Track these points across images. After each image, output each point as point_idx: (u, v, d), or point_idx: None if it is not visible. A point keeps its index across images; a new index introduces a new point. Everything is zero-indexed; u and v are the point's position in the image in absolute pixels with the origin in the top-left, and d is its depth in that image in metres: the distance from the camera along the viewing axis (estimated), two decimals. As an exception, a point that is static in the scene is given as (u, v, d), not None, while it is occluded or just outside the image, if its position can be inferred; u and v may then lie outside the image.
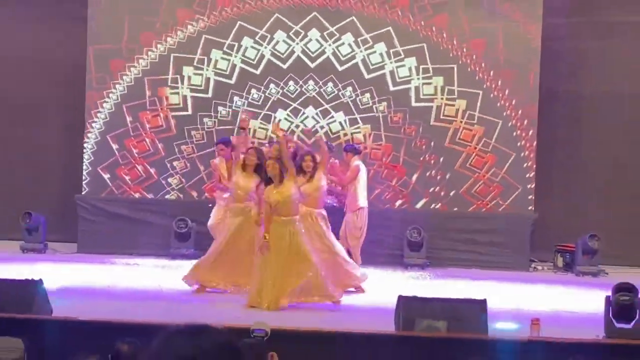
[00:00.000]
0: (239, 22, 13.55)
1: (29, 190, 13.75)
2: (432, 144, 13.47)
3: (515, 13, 13.33)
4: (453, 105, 13.48)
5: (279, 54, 13.59)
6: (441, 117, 13.49)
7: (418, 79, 13.49)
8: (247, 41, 13.58)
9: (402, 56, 13.48)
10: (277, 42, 13.58)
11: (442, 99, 13.48)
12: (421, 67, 13.47)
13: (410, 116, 13.49)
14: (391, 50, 13.49)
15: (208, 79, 13.60)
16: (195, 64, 13.60)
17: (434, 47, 13.41)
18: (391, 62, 13.51)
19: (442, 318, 8.45)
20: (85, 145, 13.37)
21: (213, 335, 2.05)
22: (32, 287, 8.70)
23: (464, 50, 13.36)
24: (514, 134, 13.36)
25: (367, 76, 13.52)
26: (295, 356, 6.97)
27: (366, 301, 10.64)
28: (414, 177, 13.50)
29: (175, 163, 13.63)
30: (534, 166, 13.31)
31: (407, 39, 13.45)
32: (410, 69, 13.49)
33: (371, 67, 13.52)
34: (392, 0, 13.46)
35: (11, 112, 13.72)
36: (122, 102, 13.57)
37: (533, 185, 13.29)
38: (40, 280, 8.85)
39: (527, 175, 13.34)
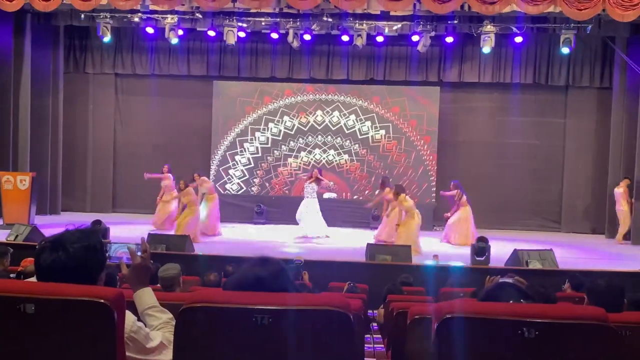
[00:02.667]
0: (281, 109, 13.51)
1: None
2: (382, 164, 13.38)
3: (426, 101, 13.27)
4: (390, 143, 13.41)
5: (302, 122, 13.53)
6: (385, 149, 13.42)
7: (371, 130, 13.40)
8: (286, 117, 13.52)
9: (363, 121, 13.41)
10: (300, 117, 13.53)
11: (386, 139, 13.37)
12: (373, 125, 13.39)
13: (370, 151, 13.41)
14: (357, 118, 13.41)
15: (267, 138, 13.57)
16: (260, 130, 13.56)
17: (380, 116, 13.33)
18: (358, 123, 13.42)
19: (388, 254, 8.47)
20: (211, 164, 13.40)
21: (274, 264, 2.04)
22: (183, 239, 8.77)
23: (402, 120, 13.33)
24: (423, 157, 13.31)
25: (346, 131, 13.44)
26: (316, 274, 6.97)
27: (350, 246, 10.61)
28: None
29: (254, 180, 13.62)
30: (434, 179, 13.23)
31: (365, 112, 13.38)
32: (368, 126, 13.41)
33: (348, 127, 13.44)
34: (371, 98, 13.34)
35: (174, 151, 13.64)
36: (226, 150, 13.59)
37: (434, 190, 13.22)
38: (188, 236, 8.93)
39: (432, 190, 13.28)
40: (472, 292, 4.99)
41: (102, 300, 1.87)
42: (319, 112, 13.52)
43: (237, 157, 13.64)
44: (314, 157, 13.53)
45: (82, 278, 2.02)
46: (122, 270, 2.37)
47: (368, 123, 13.44)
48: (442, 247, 10.63)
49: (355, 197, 13.46)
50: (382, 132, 13.41)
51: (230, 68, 13.57)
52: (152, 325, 2.27)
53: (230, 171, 13.59)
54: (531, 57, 13.09)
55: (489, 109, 13.66)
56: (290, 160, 13.54)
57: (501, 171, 13.47)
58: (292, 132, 13.58)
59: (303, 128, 13.56)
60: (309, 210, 11.03)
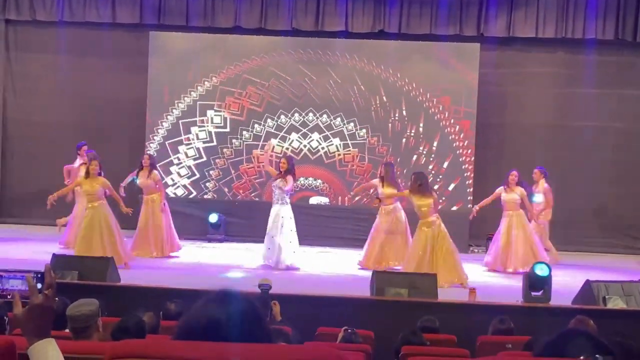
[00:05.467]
0: (244, 75, 13.43)
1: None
2: (389, 150, 13.29)
3: (459, 64, 13.31)
4: (405, 123, 13.38)
5: (274, 95, 13.48)
6: (395, 131, 13.41)
7: (375, 102, 13.37)
8: (252, 88, 13.45)
9: (364, 91, 13.38)
10: (272, 87, 13.48)
11: (396, 117, 13.37)
12: (377, 97, 13.38)
13: (372, 131, 13.36)
14: (355, 86, 13.39)
15: (225, 118, 13.54)
16: (215, 108, 13.52)
17: (391, 85, 13.32)
18: (355, 94, 13.36)
19: (404, 287, 8.49)
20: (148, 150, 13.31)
21: (237, 301, 2.03)
22: (104, 263, 8.75)
23: (422, 91, 13.35)
24: (454, 144, 13.31)
25: (337, 105, 13.42)
26: (297, 315, 6.96)
27: (348, 273, 10.60)
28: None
29: (207, 184, 13.58)
30: (471, 174, 13.25)
31: (368, 80, 13.36)
32: (367, 97, 13.40)
33: (340, 99, 13.36)
34: (379, 59, 13.34)
35: (92, 133, 13.55)
36: (166, 136, 13.55)
37: (471, 191, 13.24)
38: (112, 258, 8.91)
39: (468, 191, 13.29)
40: (526, 343, 5.00)
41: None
42: (300, 80, 13.47)
43: (182, 148, 13.59)
44: (291, 144, 13.49)
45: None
46: (15, 308, 2.34)
47: (370, 92, 13.40)
48: (485, 277, 10.67)
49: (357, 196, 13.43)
50: (392, 101, 13.40)
51: (174, 14, 13.54)
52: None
53: (173, 168, 13.55)
54: (613, 2, 13.15)
55: (551, 76, 13.72)
56: (257, 151, 13.49)
57: (568, 167, 13.52)
58: (261, 110, 13.54)
59: (276, 103, 13.53)
60: (284, 223, 10.69)
